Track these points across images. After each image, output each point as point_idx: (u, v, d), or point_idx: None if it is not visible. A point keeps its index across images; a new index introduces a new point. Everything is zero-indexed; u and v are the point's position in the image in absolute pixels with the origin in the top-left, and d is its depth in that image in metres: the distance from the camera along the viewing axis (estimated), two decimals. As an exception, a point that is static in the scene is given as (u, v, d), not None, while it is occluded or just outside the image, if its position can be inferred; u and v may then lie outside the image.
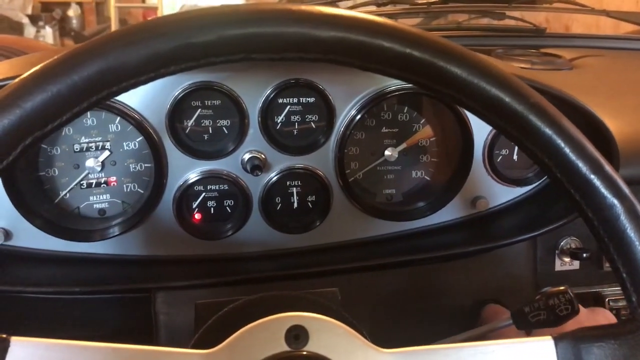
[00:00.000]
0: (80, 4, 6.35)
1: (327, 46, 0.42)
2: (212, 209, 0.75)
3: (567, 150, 0.43)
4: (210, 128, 0.72)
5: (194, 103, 0.71)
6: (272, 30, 0.42)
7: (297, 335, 0.43)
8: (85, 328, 0.73)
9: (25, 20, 5.76)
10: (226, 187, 0.74)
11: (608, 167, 0.43)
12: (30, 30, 5.81)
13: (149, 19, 0.41)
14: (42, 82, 0.39)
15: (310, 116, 0.74)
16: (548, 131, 0.43)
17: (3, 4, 5.73)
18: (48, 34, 5.92)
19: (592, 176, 0.43)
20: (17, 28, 5.61)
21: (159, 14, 5.92)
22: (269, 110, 0.71)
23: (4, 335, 0.39)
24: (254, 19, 0.41)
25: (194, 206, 0.74)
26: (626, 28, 1.60)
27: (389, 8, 1.19)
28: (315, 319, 0.43)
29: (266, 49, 0.42)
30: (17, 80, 0.39)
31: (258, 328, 0.43)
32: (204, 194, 0.74)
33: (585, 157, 0.43)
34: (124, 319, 0.73)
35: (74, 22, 6.35)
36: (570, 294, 0.56)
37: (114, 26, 5.81)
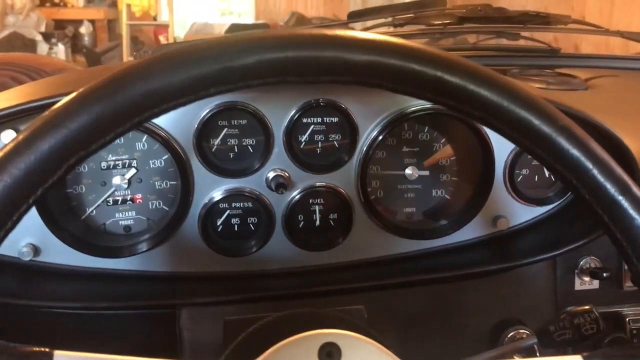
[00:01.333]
0: (92, 22, 6.43)
1: (361, 70, 0.44)
2: (235, 226, 0.76)
3: (595, 172, 0.44)
4: (236, 147, 0.73)
5: (220, 122, 0.72)
6: (307, 55, 0.43)
7: (330, 352, 0.44)
8: (111, 343, 0.74)
9: (39, 38, 5.84)
10: (250, 204, 0.75)
11: (635, 189, 0.44)
12: (43, 47, 5.88)
13: (191, 42, 0.43)
14: (88, 103, 0.40)
15: (333, 135, 0.75)
16: (576, 153, 0.44)
17: (17, 21, 5.82)
18: (60, 50, 5.99)
19: (620, 197, 0.44)
20: (30, 45, 5.69)
21: (170, 32, 6.00)
22: (293, 129, 0.73)
23: (48, 349, 0.40)
24: (290, 44, 0.43)
25: (219, 223, 0.76)
26: (636, 47, 1.61)
27: (406, 29, 1.20)
28: (348, 337, 0.44)
29: (302, 72, 0.44)
30: (63, 101, 0.40)
31: (291, 345, 0.44)
32: (228, 211, 0.75)
33: (614, 178, 0.44)
34: (149, 334, 0.74)
35: (86, 39, 6.44)
36: (596, 313, 0.56)
37: (125, 43, 5.88)
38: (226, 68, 0.42)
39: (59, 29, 6.17)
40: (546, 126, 0.44)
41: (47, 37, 5.87)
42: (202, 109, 0.70)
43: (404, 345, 0.50)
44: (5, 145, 0.39)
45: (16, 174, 0.39)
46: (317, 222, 0.77)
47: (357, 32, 0.45)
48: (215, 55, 0.42)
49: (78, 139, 0.40)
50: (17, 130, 0.67)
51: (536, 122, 0.45)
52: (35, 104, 0.62)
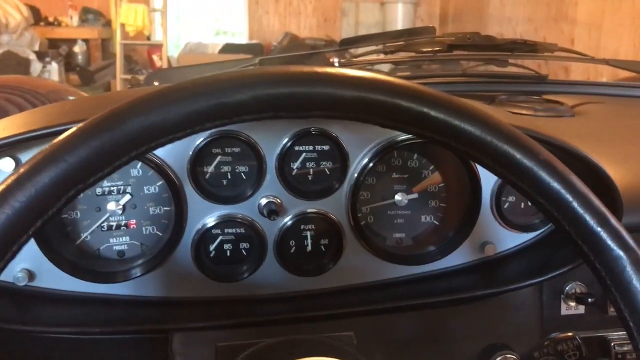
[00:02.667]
0: (86, 41, 6.47)
1: (349, 105, 0.46)
2: (228, 251, 0.77)
3: (575, 204, 0.46)
4: (229, 174, 0.75)
5: (214, 150, 0.74)
6: (299, 91, 0.45)
7: (319, 379, 0.45)
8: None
9: (32, 57, 5.86)
10: (243, 230, 0.77)
11: (614, 221, 0.46)
12: (36, 66, 5.90)
13: (188, 80, 0.45)
14: (87, 138, 0.42)
15: (324, 163, 0.77)
16: (557, 186, 0.46)
17: (11, 40, 5.84)
18: (54, 69, 6.02)
19: (599, 229, 0.46)
20: (23, 64, 5.71)
21: (164, 51, 6.04)
22: (285, 157, 0.74)
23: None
24: (283, 81, 0.45)
25: (211, 249, 0.77)
26: (624, 73, 1.64)
27: (397, 56, 1.23)
28: (338, 364, 0.45)
29: (294, 107, 0.46)
30: (64, 135, 0.42)
31: (282, 372, 0.46)
32: (220, 237, 0.77)
33: (592, 210, 0.46)
34: (142, 359, 0.75)
35: (80, 58, 6.47)
36: (578, 339, 0.58)
37: (119, 62, 5.92)
38: (221, 104, 0.44)
39: (52, 48, 6.21)
40: (527, 160, 0.46)
41: (40, 55, 5.90)
42: (197, 137, 0.71)
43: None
44: (7, 177, 0.40)
45: (17, 206, 0.40)
46: (309, 248, 0.78)
47: (346, 70, 0.47)
48: (211, 91, 0.44)
49: (77, 173, 0.42)
50: (15, 159, 0.68)
51: (518, 156, 0.46)
52: (34, 133, 0.63)
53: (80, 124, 0.43)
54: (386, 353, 0.73)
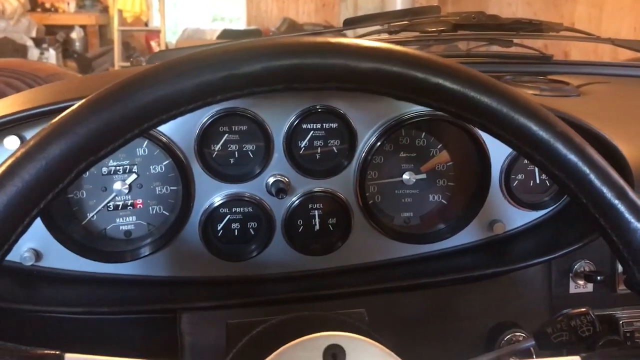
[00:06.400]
0: (83, 27, 6.42)
1: (365, 77, 0.45)
2: (236, 230, 0.77)
3: (592, 177, 0.45)
4: (236, 152, 0.74)
5: (221, 128, 0.73)
6: (312, 62, 0.44)
7: (334, 354, 0.45)
8: (112, 348, 0.74)
9: (30, 43, 5.83)
10: (250, 209, 0.76)
11: (632, 193, 0.45)
12: (33, 53, 5.87)
13: (199, 50, 0.44)
14: (98, 110, 0.41)
15: (332, 141, 0.76)
16: (574, 158, 0.45)
17: (8, 27, 5.80)
18: (51, 56, 5.98)
19: (617, 201, 0.45)
20: (21, 50, 5.67)
21: (162, 38, 6.00)
22: (293, 135, 0.74)
23: (58, 352, 0.40)
24: (295, 52, 0.44)
25: (219, 228, 0.76)
26: (625, 54, 1.63)
27: (401, 36, 1.22)
28: (353, 339, 0.45)
29: (307, 79, 0.45)
30: (73, 107, 0.41)
31: (297, 347, 0.45)
32: (228, 216, 0.76)
33: (610, 183, 0.45)
34: (150, 339, 0.74)
35: (77, 45, 6.42)
36: (592, 315, 0.57)
37: (117, 49, 5.88)
38: (232, 75, 0.43)
39: (50, 35, 6.16)
40: (544, 132, 0.46)
41: (38, 42, 5.87)
42: (203, 115, 0.71)
43: (402, 349, 0.51)
44: (17, 150, 0.40)
45: (28, 178, 0.39)
46: (317, 227, 0.78)
47: (360, 40, 0.46)
48: (222, 62, 0.43)
49: (89, 145, 0.41)
50: (20, 137, 0.67)
51: (534, 128, 0.46)
52: (41, 109, 0.62)
53: (91, 96, 0.42)
54: (395, 330, 0.73)
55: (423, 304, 0.79)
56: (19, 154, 0.40)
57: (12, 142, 0.67)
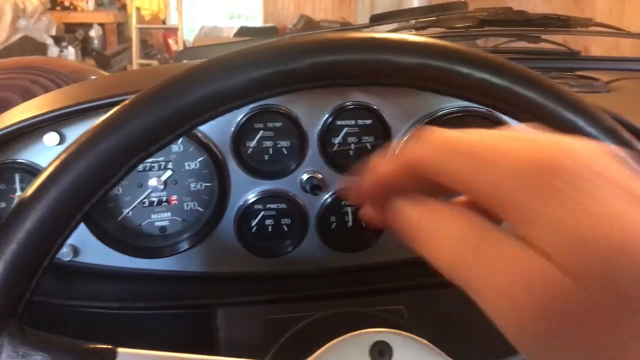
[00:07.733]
0: (102, 25, 6.47)
1: (409, 72, 0.45)
2: (270, 227, 0.77)
3: (642, 172, 0.45)
4: (270, 149, 0.74)
5: (256, 125, 0.73)
6: (357, 58, 0.44)
7: (381, 350, 0.45)
8: (148, 343, 0.75)
9: (49, 41, 5.88)
10: (284, 206, 0.76)
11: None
12: (53, 51, 5.92)
13: (244, 48, 0.44)
14: (149, 106, 0.41)
15: (366, 138, 0.76)
16: (623, 154, 0.45)
17: (28, 25, 5.86)
18: (71, 53, 6.03)
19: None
20: (41, 48, 5.73)
21: (179, 35, 6.03)
22: (327, 132, 0.74)
23: (111, 347, 0.41)
24: (342, 47, 0.44)
25: (253, 224, 0.77)
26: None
27: (428, 32, 1.21)
28: (399, 335, 0.45)
29: (352, 75, 0.45)
30: (124, 103, 0.41)
31: (343, 344, 0.45)
32: (262, 212, 0.76)
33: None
34: (186, 334, 0.75)
35: (96, 43, 6.47)
36: None
37: (135, 46, 5.92)
38: (280, 71, 0.43)
39: (69, 33, 6.21)
40: (592, 127, 0.45)
41: (57, 40, 5.92)
42: (239, 112, 0.71)
43: (445, 346, 0.51)
44: (69, 146, 0.40)
45: (80, 174, 0.40)
46: (350, 224, 0.78)
47: (404, 35, 0.46)
48: (271, 58, 0.43)
49: (139, 141, 0.41)
50: (60, 133, 0.68)
51: (582, 123, 0.45)
52: (83, 106, 0.63)
53: (140, 92, 0.42)
54: (435, 327, 0.72)
55: (463, 300, 0.79)
56: (70, 150, 0.40)
57: (51, 139, 0.67)
